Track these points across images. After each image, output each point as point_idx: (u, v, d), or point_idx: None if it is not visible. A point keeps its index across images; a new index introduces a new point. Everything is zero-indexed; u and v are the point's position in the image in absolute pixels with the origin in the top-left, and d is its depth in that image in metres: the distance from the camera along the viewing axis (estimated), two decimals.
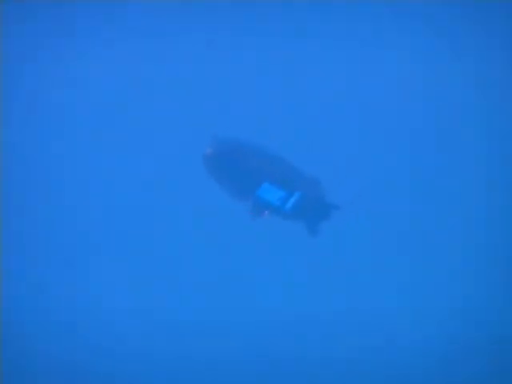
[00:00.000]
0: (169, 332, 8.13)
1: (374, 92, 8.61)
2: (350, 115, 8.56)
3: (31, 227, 8.34)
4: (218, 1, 8.69)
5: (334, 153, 8.36)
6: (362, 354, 8.05)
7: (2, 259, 8.23)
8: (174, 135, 8.48)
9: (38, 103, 8.61)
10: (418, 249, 8.32)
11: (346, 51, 8.66)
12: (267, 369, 8.02)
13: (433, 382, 8.03)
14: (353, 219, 8.32)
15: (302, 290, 8.21)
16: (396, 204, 8.39)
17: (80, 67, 8.64)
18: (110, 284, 8.21)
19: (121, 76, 8.63)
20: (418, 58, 8.64)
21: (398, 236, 8.34)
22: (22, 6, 8.58)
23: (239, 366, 8.03)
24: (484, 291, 8.20)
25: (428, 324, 8.14)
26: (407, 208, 8.41)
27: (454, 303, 8.17)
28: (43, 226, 8.36)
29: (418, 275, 8.27)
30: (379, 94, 8.62)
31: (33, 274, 8.23)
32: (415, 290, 8.23)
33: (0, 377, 7.95)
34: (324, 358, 8.06)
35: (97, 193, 8.43)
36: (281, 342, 8.09)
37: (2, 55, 8.60)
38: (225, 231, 8.19)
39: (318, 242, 8.27)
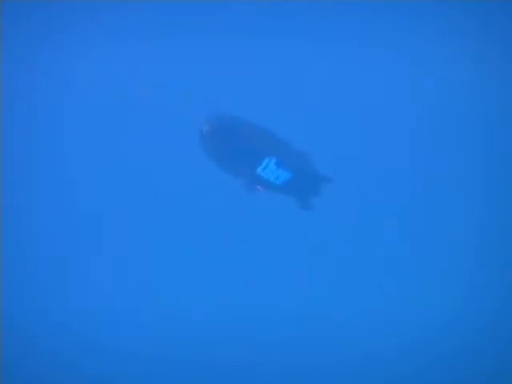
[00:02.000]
0: (166, 331, 8.15)
1: (372, 87, 8.62)
2: (351, 104, 8.57)
3: (31, 227, 8.34)
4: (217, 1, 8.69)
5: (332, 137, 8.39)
6: (360, 354, 8.06)
7: (2, 259, 8.24)
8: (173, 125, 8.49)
9: (38, 103, 8.61)
10: (416, 248, 8.33)
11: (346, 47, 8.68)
12: (262, 367, 8.04)
13: (432, 382, 8.04)
14: (351, 219, 8.33)
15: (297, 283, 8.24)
16: (394, 204, 8.40)
17: (80, 67, 8.64)
18: (110, 284, 8.22)
19: (120, 76, 8.63)
20: (417, 58, 8.63)
21: (397, 235, 8.34)
22: (22, 6, 8.58)
23: (234, 366, 8.04)
24: (483, 291, 8.21)
25: (427, 324, 8.15)
26: (406, 207, 8.41)
27: (453, 303, 8.18)
28: (42, 226, 8.36)
29: (417, 275, 8.27)
30: (378, 88, 8.63)
31: (32, 275, 8.24)
32: (414, 289, 8.24)
33: (0, 377, 7.96)
34: (322, 358, 8.07)
35: (95, 192, 8.44)
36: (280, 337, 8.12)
37: (2, 55, 8.60)
38: (224, 213, 8.20)
39: (316, 237, 8.29)
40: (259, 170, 7.21)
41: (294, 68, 8.66)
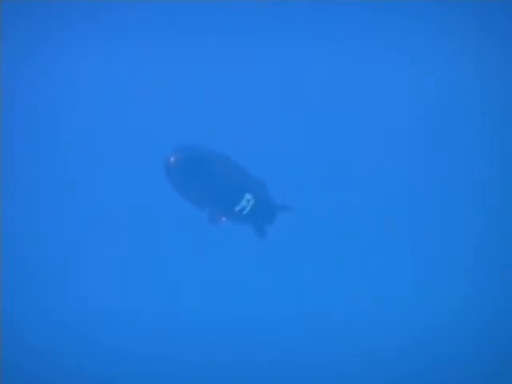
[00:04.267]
0: (165, 331, 8.15)
1: (360, 93, 8.63)
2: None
3: (31, 227, 8.34)
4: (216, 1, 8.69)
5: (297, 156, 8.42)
6: (360, 354, 8.06)
7: (2, 259, 8.23)
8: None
9: (38, 103, 8.61)
10: (416, 248, 8.33)
11: (344, 51, 8.67)
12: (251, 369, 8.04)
13: (432, 382, 8.03)
14: (350, 220, 8.33)
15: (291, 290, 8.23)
16: (394, 204, 8.40)
17: (79, 67, 8.64)
18: (109, 284, 8.22)
19: (120, 76, 8.63)
20: (417, 58, 8.64)
21: (398, 237, 8.34)
22: (22, 6, 8.58)
23: (234, 366, 8.04)
24: (484, 291, 8.21)
25: (427, 324, 8.15)
26: (406, 208, 8.41)
27: (453, 303, 8.18)
28: (43, 226, 8.36)
29: (417, 275, 8.27)
30: (378, 88, 8.63)
31: (32, 275, 8.24)
32: (414, 289, 8.23)
33: (0, 377, 7.96)
34: (322, 358, 8.06)
35: (95, 192, 8.44)
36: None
37: (2, 55, 8.59)
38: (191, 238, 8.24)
39: (315, 245, 8.29)
40: (216, 199, 7.31)
41: (294, 68, 8.66)
